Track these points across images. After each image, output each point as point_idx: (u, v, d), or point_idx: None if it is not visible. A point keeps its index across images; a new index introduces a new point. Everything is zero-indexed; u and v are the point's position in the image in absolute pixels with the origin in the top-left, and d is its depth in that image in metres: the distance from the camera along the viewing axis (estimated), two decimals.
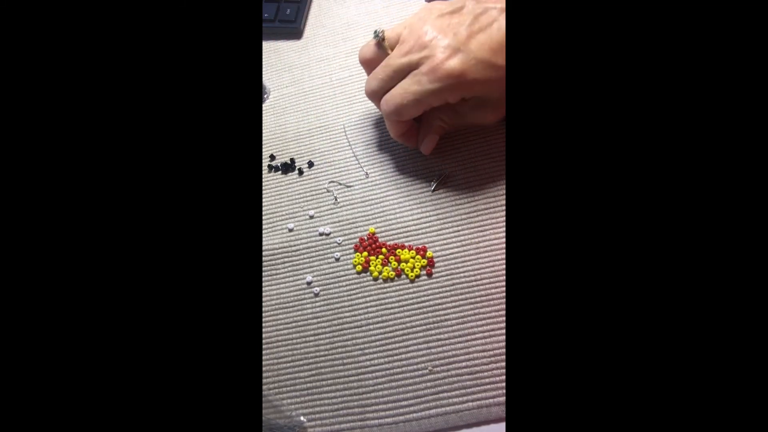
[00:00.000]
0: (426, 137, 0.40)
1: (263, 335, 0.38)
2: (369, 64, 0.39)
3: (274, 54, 0.53)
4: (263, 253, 0.41)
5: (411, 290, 0.37)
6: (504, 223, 0.38)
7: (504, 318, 0.35)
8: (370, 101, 0.41)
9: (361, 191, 0.42)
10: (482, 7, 0.34)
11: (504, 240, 0.38)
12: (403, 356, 0.35)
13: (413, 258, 0.38)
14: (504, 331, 0.34)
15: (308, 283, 0.39)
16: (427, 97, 0.35)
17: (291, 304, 0.39)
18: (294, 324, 0.38)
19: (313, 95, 0.49)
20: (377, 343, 0.36)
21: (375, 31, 0.38)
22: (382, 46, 0.38)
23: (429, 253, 0.38)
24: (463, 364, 0.34)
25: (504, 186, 0.40)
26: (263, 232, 0.42)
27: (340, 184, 0.43)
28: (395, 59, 0.36)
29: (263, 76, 0.52)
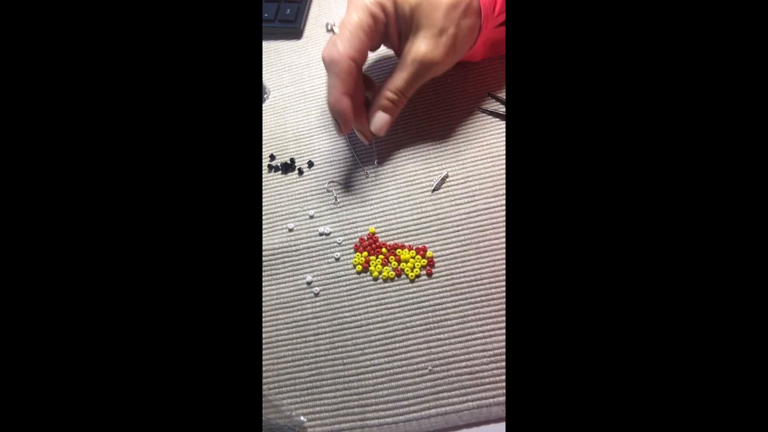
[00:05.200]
0: (375, 115, 0.39)
1: (263, 335, 0.38)
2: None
3: (274, 54, 0.53)
4: (263, 253, 0.41)
5: (411, 290, 0.37)
6: (504, 223, 0.38)
7: (504, 318, 0.35)
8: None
9: (361, 191, 0.42)
10: None
11: (504, 240, 0.38)
12: (403, 356, 0.35)
13: (413, 258, 0.38)
14: (504, 331, 0.34)
15: (308, 283, 0.39)
16: (365, 15, 0.35)
17: (291, 304, 0.39)
18: (294, 324, 0.38)
19: (313, 95, 0.49)
20: (377, 343, 0.36)
21: (326, 24, 0.38)
22: (335, 30, 0.38)
23: (429, 253, 0.38)
24: (463, 364, 0.34)
25: (504, 186, 0.40)
26: (263, 232, 0.42)
27: (340, 184, 0.43)
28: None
29: (263, 76, 0.52)
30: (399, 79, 0.37)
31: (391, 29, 0.37)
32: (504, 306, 0.35)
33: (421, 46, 0.36)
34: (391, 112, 0.39)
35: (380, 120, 0.39)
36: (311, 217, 0.42)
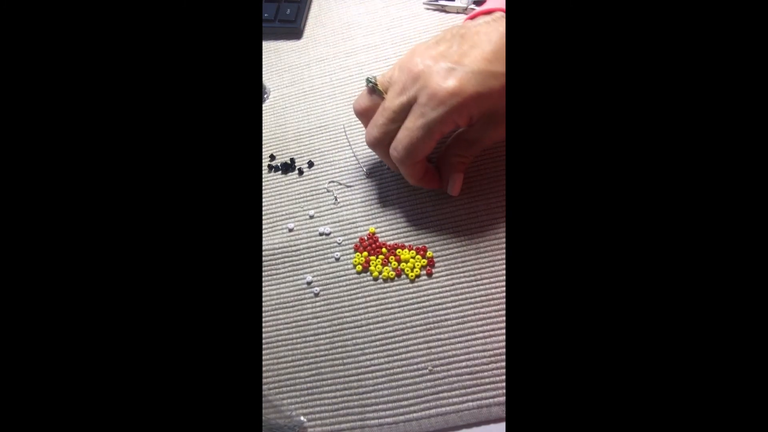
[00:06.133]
0: (450, 178, 0.38)
1: (263, 335, 0.38)
2: (365, 114, 0.38)
3: (274, 54, 0.53)
4: (263, 253, 0.41)
5: (411, 290, 0.37)
6: (504, 224, 0.38)
7: (504, 318, 0.35)
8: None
9: (361, 191, 0.42)
10: (464, 27, 0.35)
11: (504, 240, 0.38)
12: (403, 356, 0.35)
13: (413, 258, 0.38)
14: (504, 331, 0.34)
15: (308, 283, 0.39)
16: (436, 126, 0.33)
17: (291, 304, 0.39)
18: (294, 324, 0.38)
19: (313, 95, 0.49)
20: (377, 343, 0.36)
21: (367, 79, 0.36)
22: (376, 90, 0.36)
23: (429, 253, 0.38)
24: (463, 364, 0.34)
25: (504, 186, 0.40)
26: (263, 232, 0.42)
27: (340, 184, 0.43)
28: (391, 100, 0.34)
29: (263, 76, 0.52)
30: (475, 149, 0.38)
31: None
32: (504, 306, 0.35)
33: (501, 133, 0.36)
34: (462, 169, 0.39)
35: (455, 182, 0.39)
36: (311, 217, 0.42)
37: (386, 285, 0.38)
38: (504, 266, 0.37)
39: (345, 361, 0.36)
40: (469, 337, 0.35)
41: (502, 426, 0.32)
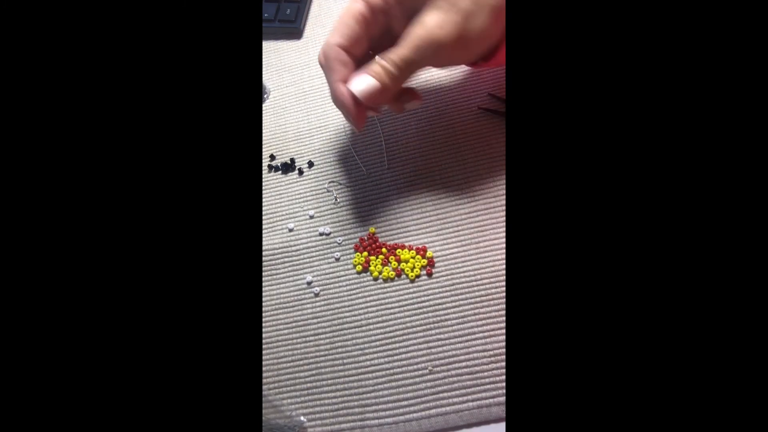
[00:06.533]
0: (365, 73, 0.33)
1: (263, 335, 0.38)
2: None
3: (274, 54, 0.53)
4: (263, 253, 0.41)
5: (411, 290, 0.37)
6: (504, 223, 0.38)
7: (504, 318, 0.35)
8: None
9: (361, 191, 0.42)
10: None
11: (504, 240, 0.38)
12: (403, 356, 0.35)
13: (413, 258, 0.38)
14: (504, 331, 0.34)
15: (308, 283, 0.39)
16: (359, 2, 0.34)
17: (291, 304, 0.39)
18: (294, 324, 0.38)
19: (313, 95, 0.49)
20: (377, 343, 0.36)
21: None
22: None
23: (429, 253, 0.38)
24: (463, 364, 0.34)
25: (504, 186, 0.40)
26: (263, 232, 0.42)
27: (340, 184, 0.43)
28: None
29: (263, 76, 0.52)
30: (395, 51, 0.32)
31: (395, 13, 0.35)
32: (504, 306, 0.35)
33: (428, 20, 0.32)
34: (379, 79, 0.33)
35: (362, 82, 0.33)
36: (311, 217, 0.42)
37: (386, 285, 0.38)
38: (504, 266, 0.37)
39: (345, 361, 0.36)
40: (469, 337, 0.35)
41: (502, 426, 0.32)
